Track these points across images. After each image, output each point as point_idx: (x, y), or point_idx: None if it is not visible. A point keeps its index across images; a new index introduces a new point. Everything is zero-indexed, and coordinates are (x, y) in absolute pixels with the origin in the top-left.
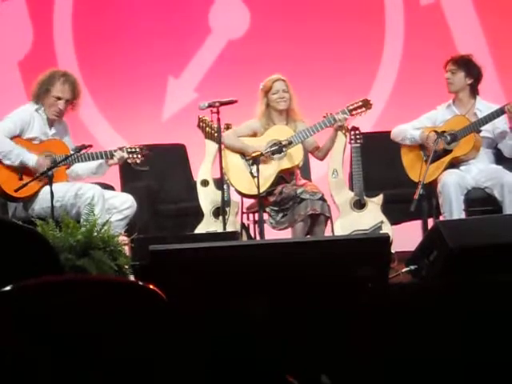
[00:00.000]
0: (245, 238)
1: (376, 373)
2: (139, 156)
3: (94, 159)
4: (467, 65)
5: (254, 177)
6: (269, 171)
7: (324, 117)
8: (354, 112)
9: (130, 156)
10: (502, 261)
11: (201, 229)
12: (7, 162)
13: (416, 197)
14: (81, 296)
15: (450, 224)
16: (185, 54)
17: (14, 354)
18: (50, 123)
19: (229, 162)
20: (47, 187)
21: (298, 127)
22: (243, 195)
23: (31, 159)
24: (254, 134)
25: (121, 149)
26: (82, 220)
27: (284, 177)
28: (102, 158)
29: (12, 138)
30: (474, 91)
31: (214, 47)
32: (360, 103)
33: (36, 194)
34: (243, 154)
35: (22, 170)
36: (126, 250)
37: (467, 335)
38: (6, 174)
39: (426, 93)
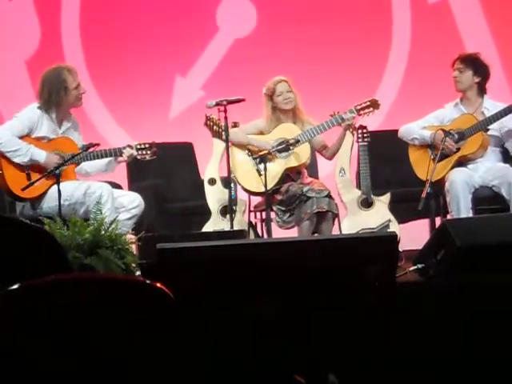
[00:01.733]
0: (252, 236)
1: (383, 372)
2: (148, 152)
3: (103, 157)
4: (475, 63)
5: (260, 174)
6: (275, 169)
7: (331, 115)
8: (361, 112)
9: (139, 153)
10: (510, 260)
11: (208, 227)
12: (17, 160)
13: (424, 195)
14: (88, 294)
15: (457, 222)
16: (192, 53)
17: (21, 353)
18: (60, 121)
19: (236, 160)
20: (55, 186)
21: (305, 126)
22: (250, 193)
23: (41, 155)
24: (261, 133)
25: (130, 146)
26: (90, 218)
27: (290, 175)
28: (111, 155)
29: (21, 138)
30: (481, 90)
31: (221, 46)
32: (368, 103)
33: (44, 192)
34: (250, 151)
35: (30, 169)
36: (134, 248)
37: (475, 335)
38: (13, 173)
39: (434, 91)
